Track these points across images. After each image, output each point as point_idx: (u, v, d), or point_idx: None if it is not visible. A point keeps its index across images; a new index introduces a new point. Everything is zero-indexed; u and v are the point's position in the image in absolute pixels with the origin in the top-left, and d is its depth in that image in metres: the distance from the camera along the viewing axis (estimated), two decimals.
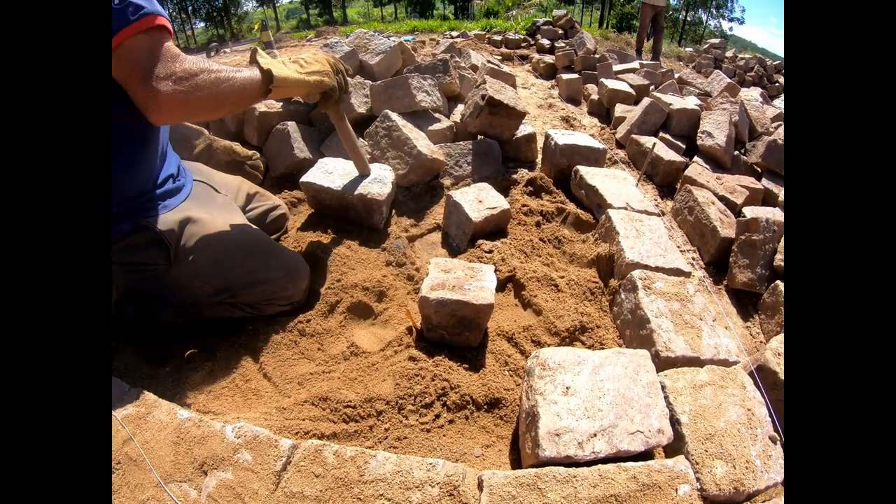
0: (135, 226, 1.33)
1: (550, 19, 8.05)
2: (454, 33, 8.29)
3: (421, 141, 2.27)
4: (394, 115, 2.29)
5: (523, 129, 2.72)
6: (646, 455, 1.06)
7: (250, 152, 2.39)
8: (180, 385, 1.42)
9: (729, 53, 9.82)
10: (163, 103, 1.11)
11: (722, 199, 2.51)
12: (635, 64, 5.53)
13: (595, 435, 1.03)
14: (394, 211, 2.16)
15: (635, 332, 1.47)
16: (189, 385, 1.41)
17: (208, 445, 1.07)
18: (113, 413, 1.13)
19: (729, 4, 35.70)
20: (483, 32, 8.05)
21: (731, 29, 37.11)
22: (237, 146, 2.35)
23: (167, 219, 1.37)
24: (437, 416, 1.29)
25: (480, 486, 0.96)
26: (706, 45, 9.71)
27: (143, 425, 1.11)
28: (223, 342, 1.54)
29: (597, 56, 5.45)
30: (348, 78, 1.89)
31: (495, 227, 2.02)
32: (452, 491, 0.94)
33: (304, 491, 0.98)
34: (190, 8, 28.43)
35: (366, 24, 13.73)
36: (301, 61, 1.54)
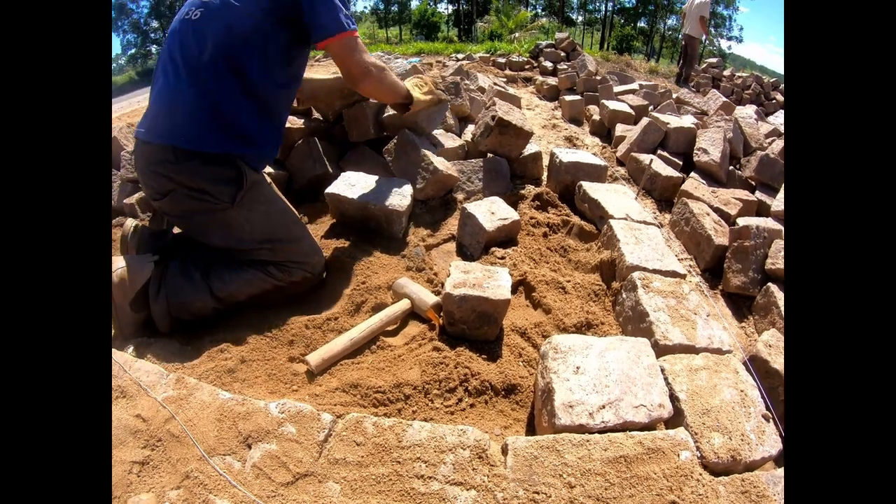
0: (226, 157, 1.62)
1: (553, 42, 8.31)
2: (460, 56, 8.56)
3: (436, 158, 2.44)
4: (411, 134, 2.46)
5: (530, 148, 2.89)
6: (649, 427, 1.21)
7: None
8: (214, 373, 1.49)
9: (727, 72, 10.07)
10: (369, 77, 1.78)
11: (717, 210, 2.68)
12: (635, 85, 5.74)
13: (604, 407, 1.18)
14: (411, 223, 2.32)
15: (636, 325, 1.62)
16: (223, 373, 1.49)
17: (253, 420, 1.15)
18: (153, 396, 1.20)
19: (727, 24, 36.34)
20: (488, 55, 8.31)
21: (729, 48, 37.73)
22: None
23: (252, 171, 1.68)
24: (460, 401, 1.43)
25: (504, 451, 1.11)
26: (704, 65, 9.96)
27: (185, 405, 1.19)
28: (255, 335, 1.66)
29: (598, 78, 5.67)
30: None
31: (506, 237, 2.18)
32: (481, 454, 1.09)
33: (347, 457, 1.09)
34: None
35: (372, 45, 14.07)
36: (419, 84, 2.30)
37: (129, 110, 7.19)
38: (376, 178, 2.26)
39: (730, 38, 37.20)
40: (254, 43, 1.59)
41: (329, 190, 2.14)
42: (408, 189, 2.21)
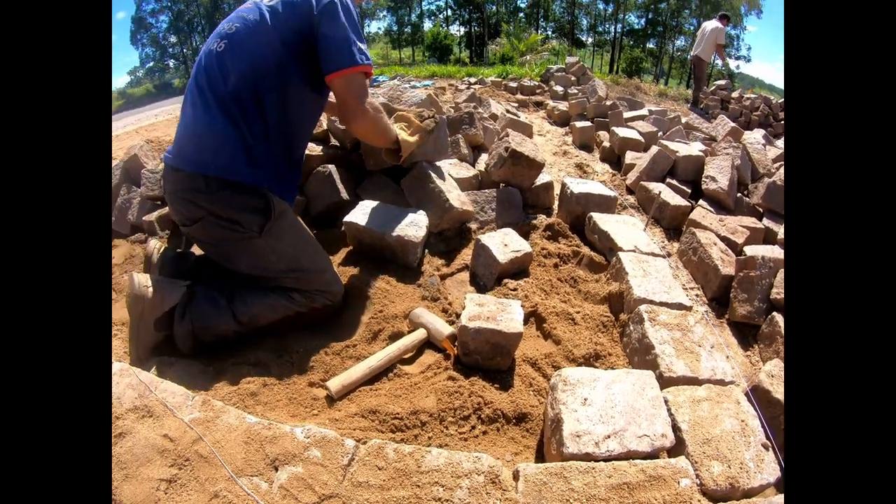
0: (255, 187, 1.69)
1: (563, 66, 8.46)
2: (472, 79, 8.74)
3: (452, 192, 2.50)
4: (428, 168, 2.53)
5: (541, 178, 2.99)
6: (652, 456, 1.28)
7: None
8: (237, 395, 1.54)
9: (735, 94, 10.12)
10: (365, 119, 1.76)
11: (724, 239, 2.74)
12: (644, 111, 5.84)
13: (609, 437, 1.26)
14: (426, 251, 2.40)
15: (642, 357, 1.70)
16: (246, 395, 1.55)
17: (279, 444, 1.20)
18: (180, 417, 1.25)
19: (735, 44, 36.43)
20: (500, 79, 8.47)
21: (738, 67, 37.73)
22: None
23: (279, 201, 1.76)
24: (473, 428, 1.51)
25: (516, 477, 1.19)
26: (713, 87, 10.04)
27: (213, 427, 1.23)
28: (275, 359, 1.74)
29: (608, 103, 5.77)
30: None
31: (519, 268, 2.27)
32: (495, 479, 1.17)
33: (370, 481, 1.16)
34: None
35: (386, 67, 14.40)
36: (404, 126, 2.26)
37: (146, 123, 7.34)
38: (393, 207, 2.34)
39: (738, 58, 37.29)
40: (273, 75, 1.65)
41: (347, 218, 2.21)
42: (423, 219, 2.28)
